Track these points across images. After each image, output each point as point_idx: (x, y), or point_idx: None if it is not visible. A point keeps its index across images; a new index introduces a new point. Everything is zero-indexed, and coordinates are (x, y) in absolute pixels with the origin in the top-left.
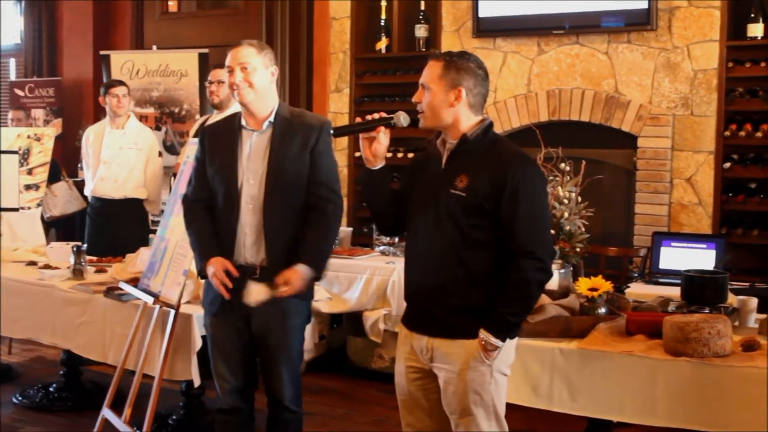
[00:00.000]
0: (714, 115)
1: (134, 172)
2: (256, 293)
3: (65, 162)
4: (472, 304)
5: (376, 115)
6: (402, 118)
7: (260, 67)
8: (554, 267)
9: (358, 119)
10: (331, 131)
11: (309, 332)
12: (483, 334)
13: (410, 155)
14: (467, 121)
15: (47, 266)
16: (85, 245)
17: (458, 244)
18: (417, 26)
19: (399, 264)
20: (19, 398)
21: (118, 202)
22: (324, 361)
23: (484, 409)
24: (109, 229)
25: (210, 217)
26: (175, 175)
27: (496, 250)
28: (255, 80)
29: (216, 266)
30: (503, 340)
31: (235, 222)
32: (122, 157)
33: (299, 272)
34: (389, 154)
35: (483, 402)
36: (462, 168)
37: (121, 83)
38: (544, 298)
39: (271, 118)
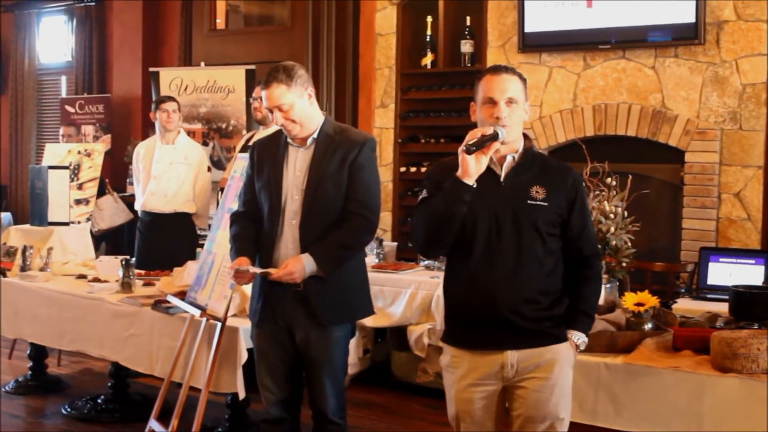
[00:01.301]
0: (763, 130)
1: (184, 186)
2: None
3: (114, 177)
4: (556, 312)
5: (488, 130)
6: (503, 131)
7: (296, 100)
8: None
9: (477, 133)
10: (465, 148)
11: (353, 346)
12: (576, 334)
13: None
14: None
15: (96, 279)
16: (134, 259)
17: (541, 254)
18: (462, 42)
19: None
20: (68, 409)
21: (167, 216)
22: (368, 375)
23: (567, 413)
24: (158, 243)
25: (253, 226)
26: (222, 189)
27: (561, 256)
28: (296, 115)
29: (234, 263)
30: (588, 336)
31: (277, 236)
32: (172, 171)
33: (300, 261)
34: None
35: (568, 405)
36: (531, 180)
37: (171, 99)
38: None
39: (315, 135)
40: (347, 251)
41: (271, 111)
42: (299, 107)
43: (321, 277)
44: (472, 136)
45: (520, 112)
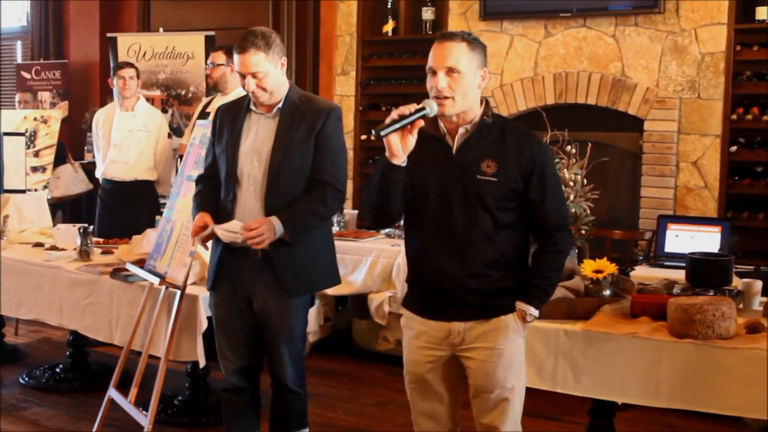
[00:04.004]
0: (721, 99)
1: (144, 154)
2: (226, 237)
3: (71, 144)
4: (506, 284)
5: (411, 107)
6: (434, 105)
7: (271, 69)
8: None
9: (394, 114)
10: (374, 132)
11: (314, 314)
12: (522, 306)
13: None
14: (479, 103)
15: (54, 248)
16: (93, 227)
17: (490, 229)
18: (424, 9)
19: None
20: (26, 379)
21: (128, 184)
22: (329, 344)
23: (519, 382)
24: (119, 211)
25: (213, 185)
26: (181, 157)
27: (522, 228)
28: (268, 84)
29: (196, 221)
30: (539, 310)
31: (234, 201)
32: (132, 139)
33: (270, 223)
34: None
35: (519, 374)
36: (483, 153)
37: (130, 65)
38: None
39: (280, 104)
40: (316, 219)
41: (242, 76)
42: (273, 76)
43: (288, 247)
44: (391, 117)
45: (466, 81)
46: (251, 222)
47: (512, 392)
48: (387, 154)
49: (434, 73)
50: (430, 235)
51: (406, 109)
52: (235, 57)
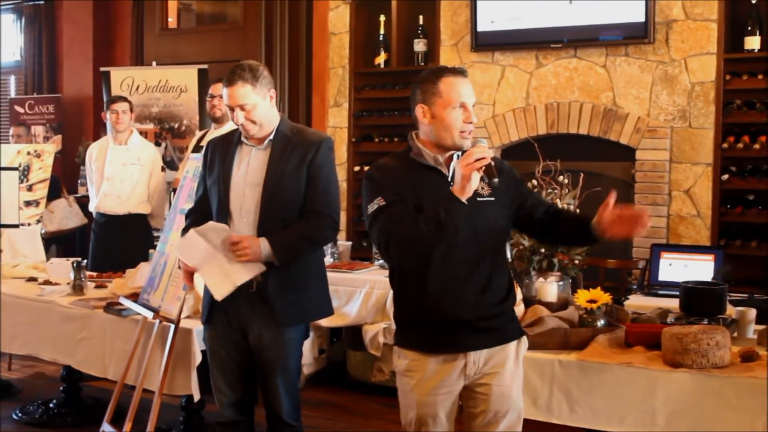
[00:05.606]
0: (712, 128)
1: (138, 188)
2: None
3: (65, 178)
4: (509, 305)
5: (484, 149)
6: (485, 142)
7: (259, 101)
8: (553, 279)
9: (487, 160)
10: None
11: (308, 346)
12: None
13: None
14: None
15: (47, 282)
16: (86, 261)
17: (492, 250)
18: (416, 41)
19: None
20: (20, 414)
21: (122, 217)
22: (324, 375)
23: (522, 401)
24: (113, 245)
25: (204, 219)
26: (175, 190)
27: (536, 220)
28: (257, 116)
29: (184, 266)
30: None
31: None
32: (125, 173)
33: (257, 242)
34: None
35: (521, 393)
36: None
37: (123, 99)
38: (543, 310)
39: (272, 136)
40: (307, 243)
41: (231, 109)
42: (261, 108)
43: (281, 277)
44: (479, 162)
45: None
46: (235, 236)
47: (522, 410)
48: (458, 190)
49: (465, 107)
50: (439, 265)
51: (482, 152)
52: (224, 90)
